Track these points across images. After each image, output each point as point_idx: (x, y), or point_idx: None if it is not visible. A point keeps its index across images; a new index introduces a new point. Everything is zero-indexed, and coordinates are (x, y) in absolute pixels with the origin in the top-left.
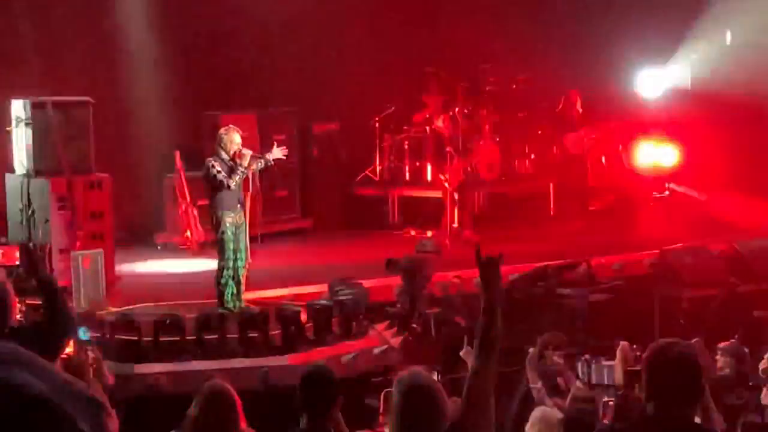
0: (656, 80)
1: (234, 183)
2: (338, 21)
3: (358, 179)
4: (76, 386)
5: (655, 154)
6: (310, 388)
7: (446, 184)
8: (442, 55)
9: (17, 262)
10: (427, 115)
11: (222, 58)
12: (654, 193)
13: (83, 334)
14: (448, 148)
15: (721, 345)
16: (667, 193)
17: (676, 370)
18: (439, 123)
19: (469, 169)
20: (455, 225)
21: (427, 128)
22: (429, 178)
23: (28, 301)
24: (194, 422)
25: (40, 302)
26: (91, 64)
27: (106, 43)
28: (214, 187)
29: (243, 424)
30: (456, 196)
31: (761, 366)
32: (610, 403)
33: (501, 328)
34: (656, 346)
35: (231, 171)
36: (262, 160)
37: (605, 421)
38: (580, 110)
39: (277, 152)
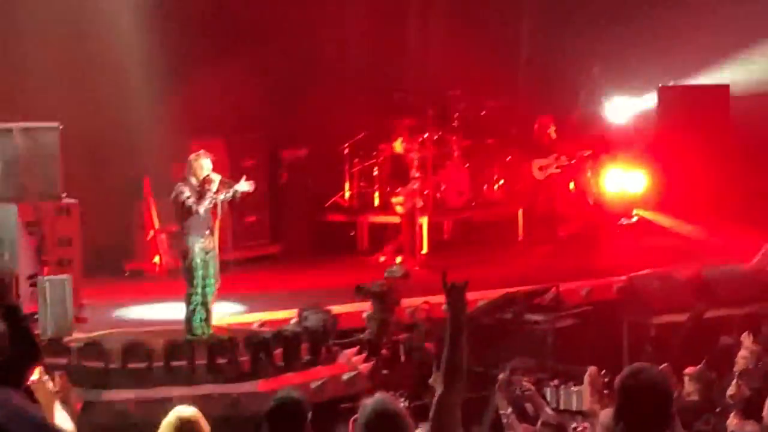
0: (626, 106)
1: (203, 208)
2: (307, 46)
3: (328, 205)
4: (30, 413)
5: (624, 181)
6: (278, 416)
7: (398, 208)
8: (412, 80)
9: None
10: (396, 141)
11: (192, 83)
12: (622, 219)
13: None
14: (414, 173)
15: (689, 371)
16: (635, 219)
17: (647, 395)
18: (398, 147)
19: (425, 192)
20: (423, 252)
21: (395, 153)
22: (398, 204)
23: None
24: None
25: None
26: (60, 89)
27: (76, 68)
28: (183, 212)
29: None
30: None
31: (729, 392)
32: (579, 429)
33: (467, 354)
34: (628, 370)
35: (200, 196)
36: (231, 191)
37: None
38: (553, 136)
39: (245, 185)
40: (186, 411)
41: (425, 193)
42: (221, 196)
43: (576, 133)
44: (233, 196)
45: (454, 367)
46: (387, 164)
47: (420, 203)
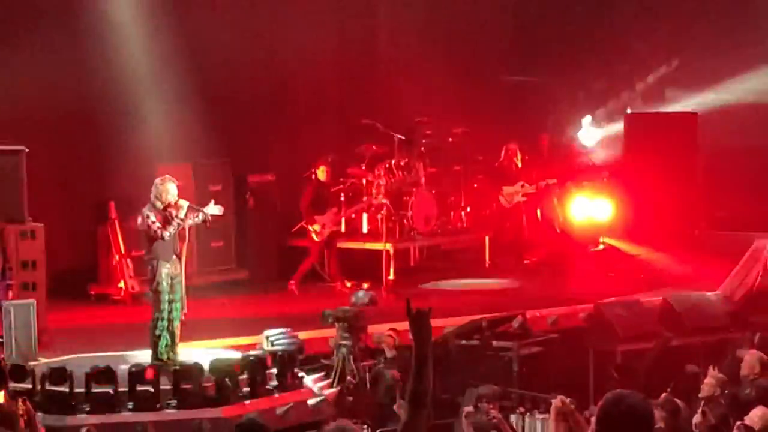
0: (593, 133)
1: (168, 234)
2: (274, 72)
3: (294, 230)
4: None
5: (590, 208)
6: None
7: (314, 235)
8: (379, 107)
9: None
10: (319, 168)
11: (158, 108)
12: (588, 247)
13: None
14: (383, 200)
15: (656, 400)
16: (601, 246)
17: (629, 423)
18: (321, 175)
19: (393, 218)
20: (390, 277)
21: (365, 179)
22: (365, 229)
23: None
24: None
25: None
26: (26, 111)
27: (42, 91)
28: (150, 237)
29: None
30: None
31: (694, 420)
32: None
33: (431, 381)
34: (609, 397)
35: (165, 221)
36: (200, 215)
37: None
38: (519, 164)
39: (214, 209)
40: None
41: (393, 219)
42: (189, 221)
43: (543, 161)
44: (203, 221)
45: (419, 394)
46: (360, 191)
47: (334, 229)
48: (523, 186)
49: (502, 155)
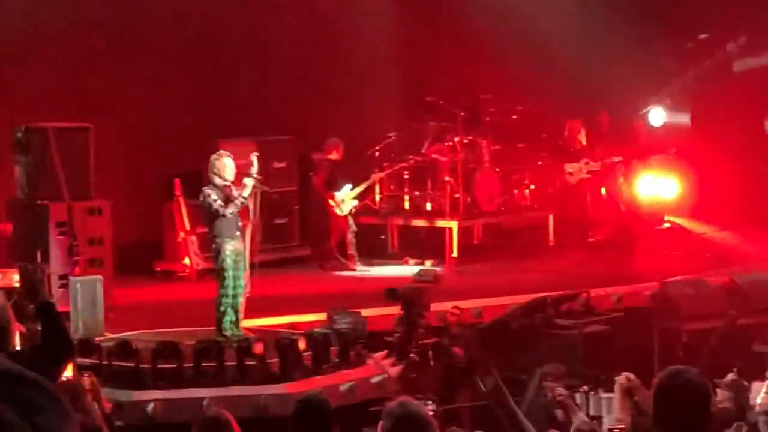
0: (660, 110)
1: (230, 212)
2: (339, 49)
3: (357, 207)
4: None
5: (656, 186)
6: (303, 418)
7: (336, 210)
8: (443, 84)
9: (17, 285)
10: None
11: (223, 85)
12: (654, 225)
13: None
14: (446, 178)
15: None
16: (666, 225)
17: (686, 397)
18: (333, 155)
19: (456, 196)
20: (454, 255)
21: (428, 157)
22: (428, 207)
23: (26, 326)
24: None
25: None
26: (92, 90)
27: (108, 70)
28: (212, 215)
29: None
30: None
31: (759, 399)
32: (616, 430)
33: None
34: (666, 372)
35: (227, 198)
36: (254, 183)
37: None
38: (584, 141)
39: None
40: (220, 412)
41: (456, 196)
42: (245, 193)
43: (604, 138)
44: (262, 187)
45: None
46: (424, 168)
47: (353, 204)
48: (587, 163)
49: (565, 133)
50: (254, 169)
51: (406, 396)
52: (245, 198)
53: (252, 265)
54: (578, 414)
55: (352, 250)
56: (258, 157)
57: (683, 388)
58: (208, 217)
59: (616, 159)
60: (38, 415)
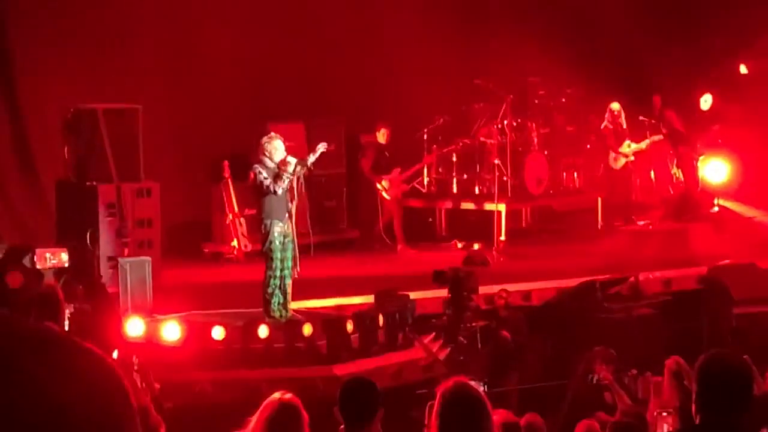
0: (708, 95)
1: (280, 189)
2: (387, 32)
3: (406, 191)
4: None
5: (706, 170)
6: (350, 401)
7: (384, 194)
8: (492, 67)
9: (66, 265)
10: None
11: (272, 67)
12: (704, 208)
13: None
14: (495, 161)
15: None
16: (716, 209)
17: (727, 380)
18: (380, 138)
19: (504, 179)
20: (502, 238)
21: (477, 140)
22: (477, 190)
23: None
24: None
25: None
26: (142, 71)
27: (157, 51)
28: (262, 194)
29: None
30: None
31: None
32: (664, 414)
33: None
34: (707, 356)
35: (276, 177)
36: (302, 165)
37: None
38: (624, 124)
39: (320, 147)
40: (287, 396)
41: (504, 179)
42: (298, 169)
43: (656, 121)
44: (307, 168)
45: None
46: (472, 151)
47: (403, 187)
48: (629, 146)
49: (606, 116)
50: (311, 158)
51: (460, 377)
52: (291, 174)
53: (307, 247)
54: (624, 398)
55: (400, 233)
56: (324, 145)
57: (725, 371)
58: (258, 197)
59: (657, 138)
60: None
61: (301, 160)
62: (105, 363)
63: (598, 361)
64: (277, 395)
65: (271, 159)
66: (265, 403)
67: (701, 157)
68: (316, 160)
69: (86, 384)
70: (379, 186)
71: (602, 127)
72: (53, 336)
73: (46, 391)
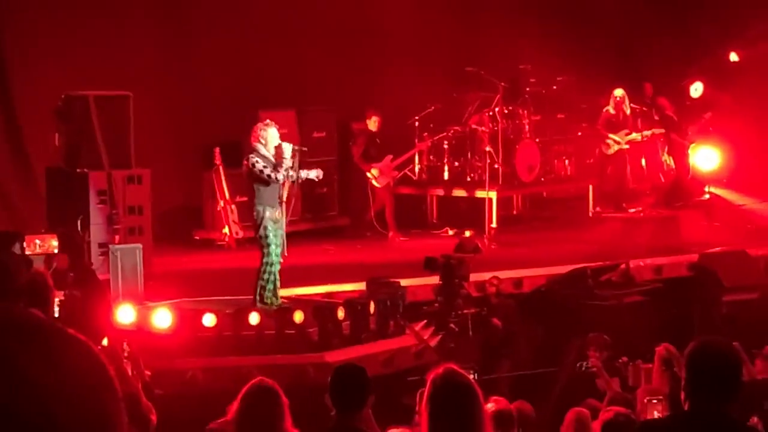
0: (699, 83)
1: (281, 177)
2: (379, 20)
3: (397, 178)
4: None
5: (696, 158)
6: (341, 387)
7: (374, 182)
8: (483, 55)
9: (55, 251)
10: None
11: (262, 55)
12: (694, 196)
13: None
14: (486, 148)
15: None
16: (706, 196)
17: (715, 366)
18: (371, 125)
19: (495, 167)
20: (493, 226)
21: (468, 127)
22: (468, 178)
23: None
24: (239, 420)
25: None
26: (133, 58)
27: (148, 38)
28: (258, 182)
29: (289, 425)
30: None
31: None
32: (654, 401)
33: None
34: (696, 343)
35: (275, 166)
36: (295, 174)
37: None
38: (628, 111)
39: (312, 174)
40: (267, 381)
41: (495, 167)
42: (292, 164)
43: (647, 109)
44: (297, 180)
45: None
46: (464, 139)
47: (393, 175)
48: (627, 134)
49: (611, 102)
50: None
51: (451, 364)
52: (288, 160)
53: (290, 234)
54: (613, 385)
55: (391, 221)
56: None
57: (713, 358)
58: (251, 184)
59: (658, 131)
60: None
61: (300, 150)
62: (90, 350)
63: (592, 347)
64: (256, 380)
65: (265, 146)
66: (244, 389)
67: (692, 145)
68: (302, 170)
69: (70, 372)
70: (369, 174)
71: (604, 110)
72: (37, 323)
73: (29, 378)
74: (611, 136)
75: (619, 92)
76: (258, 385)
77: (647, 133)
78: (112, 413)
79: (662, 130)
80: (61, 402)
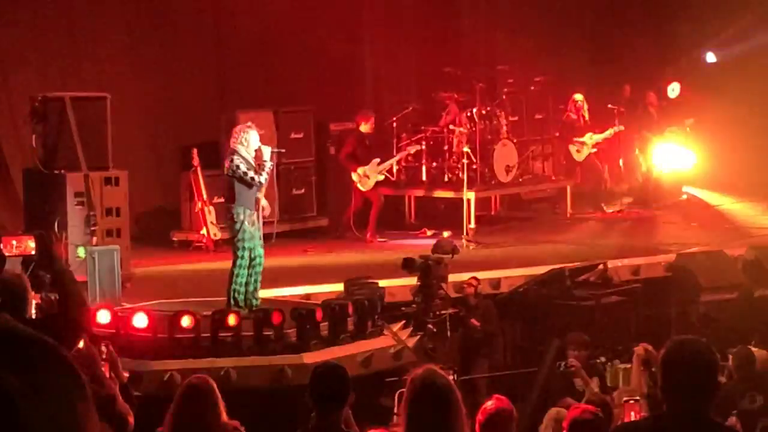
0: (676, 84)
1: (264, 179)
2: (356, 20)
3: (380, 181)
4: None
5: (673, 158)
6: (321, 386)
7: (359, 184)
8: (461, 55)
9: (32, 252)
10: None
11: (239, 55)
12: (671, 196)
13: None
14: (464, 149)
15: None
16: (684, 196)
17: (691, 366)
18: (363, 128)
19: (474, 167)
20: (471, 226)
21: (446, 128)
22: (446, 178)
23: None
24: (173, 418)
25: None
26: (110, 59)
27: (125, 39)
28: (240, 184)
29: (224, 417)
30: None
31: None
32: (631, 401)
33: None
34: (672, 342)
35: (256, 168)
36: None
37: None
38: (586, 115)
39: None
40: (199, 378)
41: (473, 167)
42: (266, 157)
43: (627, 110)
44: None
45: None
46: (442, 140)
47: (379, 178)
48: (591, 137)
49: (570, 107)
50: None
51: (430, 365)
52: (269, 162)
53: (269, 236)
54: (590, 385)
55: (373, 222)
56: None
57: (689, 358)
58: (230, 186)
59: (619, 128)
60: (39, 373)
61: (277, 153)
62: (61, 355)
63: (571, 346)
64: (188, 379)
65: (246, 148)
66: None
67: (669, 146)
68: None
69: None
70: (354, 175)
71: (564, 117)
72: (7, 328)
73: None
74: (576, 140)
75: (578, 96)
76: (188, 384)
77: (610, 132)
78: (82, 416)
79: (622, 128)
80: (29, 407)
